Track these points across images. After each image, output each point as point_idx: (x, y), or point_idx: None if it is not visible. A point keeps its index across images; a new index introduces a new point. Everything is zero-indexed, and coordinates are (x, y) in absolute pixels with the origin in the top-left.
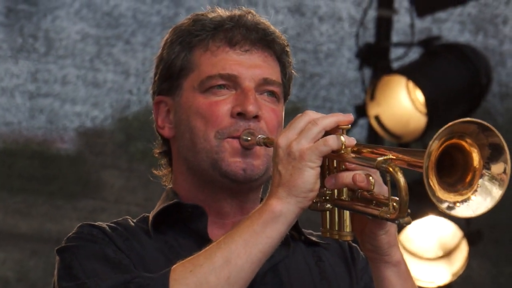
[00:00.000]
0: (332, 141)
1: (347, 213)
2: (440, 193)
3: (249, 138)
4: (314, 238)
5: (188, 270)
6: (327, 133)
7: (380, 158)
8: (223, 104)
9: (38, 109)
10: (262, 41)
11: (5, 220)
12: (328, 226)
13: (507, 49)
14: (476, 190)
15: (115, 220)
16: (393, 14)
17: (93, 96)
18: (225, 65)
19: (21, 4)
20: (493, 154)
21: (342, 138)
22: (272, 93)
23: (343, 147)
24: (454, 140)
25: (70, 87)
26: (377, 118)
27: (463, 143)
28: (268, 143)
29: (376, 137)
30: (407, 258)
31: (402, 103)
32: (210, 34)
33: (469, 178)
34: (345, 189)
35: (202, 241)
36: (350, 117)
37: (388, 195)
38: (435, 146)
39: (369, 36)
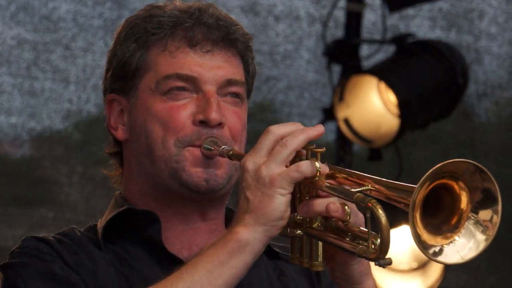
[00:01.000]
0: (305, 168)
1: (319, 242)
2: (426, 236)
3: (211, 148)
4: (277, 249)
5: None
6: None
7: (357, 192)
8: (184, 109)
9: None
10: (224, 40)
11: None
12: (297, 253)
13: (484, 45)
14: (460, 233)
15: (61, 231)
16: (363, 9)
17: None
18: (183, 65)
19: None
20: (484, 200)
21: (317, 164)
22: (235, 95)
23: (318, 174)
24: (445, 180)
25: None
26: (346, 121)
27: (453, 183)
28: (233, 156)
29: (345, 141)
30: (380, 271)
31: (373, 105)
32: (168, 33)
33: (455, 220)
34: (318, 217)
35: (155, 249)
36: (321, 129)
37: (368, 232)
38: (420, 192)
39: (333, 33)
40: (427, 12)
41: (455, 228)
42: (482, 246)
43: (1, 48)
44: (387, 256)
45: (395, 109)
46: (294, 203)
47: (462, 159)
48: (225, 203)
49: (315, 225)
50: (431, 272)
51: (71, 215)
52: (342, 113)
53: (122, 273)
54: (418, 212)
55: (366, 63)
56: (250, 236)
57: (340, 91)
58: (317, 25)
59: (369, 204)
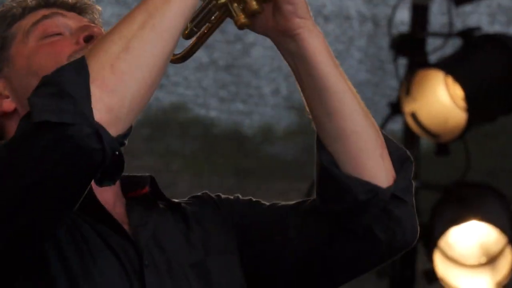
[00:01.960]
0: None
1: None
2: None
3: None
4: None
5: (109, 40)
6: None
7: None
8: (66, 39)
9: None
10: (76, 8)
11: None
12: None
13: None
14: None
15: None
16: (429, 2)
17: None
18: (45, 11)
19: None
20: None
21: None
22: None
23: None
24: None
25: None
26: (413, 115)
27: None
28: None
29: (412, 136)
30: (448, 264)
31: (440, 99)
32: (26, 8)
33: None
34: None
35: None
36: None
37: None
38: None
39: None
40: (485, 8)
41: None
42: None
43: None
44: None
45: (462, 103)
46: None
47: None
48: None
49: None
50: (500, 267)
51: None
52: (409, 107)
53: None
54: None
55: (433, 57)
56: None
57: (406, 85)
58: (368, 24)
59: None
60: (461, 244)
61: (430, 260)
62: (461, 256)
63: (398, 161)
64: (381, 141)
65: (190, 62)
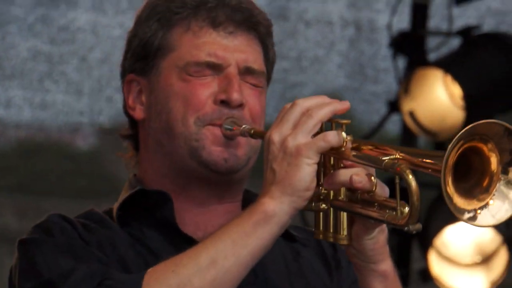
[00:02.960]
0: (332, 137)
1: (344, 215)
2: (458, 201)
3: (232, 128)
4: (293, 232)
5: (170, 270)
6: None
7: (386, 158)
8: (206, 88)
9: None
10: (246, 22)
11: None
12: (322, 228)
13: None
14: (494, 194)
15: (84, 213)
16: (429, 1)
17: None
18: (210, 50)
19: None
20: None
21: (344, 134)
22: (254, 85)
23: (344, 144)
24: (475, 143)
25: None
26: (411, 114)
27: (483, 146)
28: (255, 134)
29: (410, 135)
30: (443, 264)
31: (439, 98)
32: (191, 13)
33: (486, 182)
34: (343, 189)
35: (169, 230)
36: (347, 104)
37: (397, 199)
38: (452, 154)
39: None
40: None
41: (486, 191)
42: None
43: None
44: (417, 223)
45: (460, 102)
46: (319, 177)
47: (493, 120)
48: (243, 186)
49: (340, 198)
50: (495, 266)
51: None
52: (407, 105)
53: (140, 253)
54: (450, 176)
55: (432, 56)
56: (277, 207)
57: (405, 84)
58: (350, 29)
59: (398, 169)
60: (456, 243)
61: (425, 259)
62: (456, 255)
63: None
64: None
65: None
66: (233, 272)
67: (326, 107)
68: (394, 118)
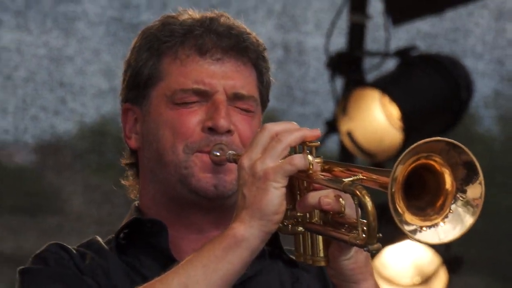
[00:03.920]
0: (298, 161)
1: (320, 237)
2: (408, 217)
3: (218, 154)
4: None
5: None
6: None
7: (347, 180)
8: (193, 115)
9: None
10: (234, 48)
11: None
12: (301, 250)
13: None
14: (446, 217)
15: (86, 242)
16: (366, 21)
17: None
18: (197, 77)
19: None
20: (468, 174)
21: (310, 157)
22: (244, 110)
23: (311, 167)
24: (422, 161)
25: None
26: (349, 134)
27: (433, 163)
28: (238, 160)
29: (348, 155)
30: (383, 284)
31: (376, 118)
32: (179, 41)
33: (440, 202)
34: (316, 211)
35: (164, 258)
36: (317, 132)
37: (357, 219)
38: (400, 170)
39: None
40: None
41: (440, 210)
42: (467, 226)
43: None
44: (376, 243)
45: (398, 123)
46: (295, 201)
47: (434, 138)
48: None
49: (314, 220)
50: (434, 287)
51: None
52: (345, 126)
53: (134, 281)
54: (399, 192)
55: (369, 76)
56: (246, 231)
57: (343, 104)
58: (278, 51)
59: (355, 191)
60: (395, 263)
61: None
62: (396, 276)
63: None
64: None
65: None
66: None
67: (295, 132)
68: (333, 138)
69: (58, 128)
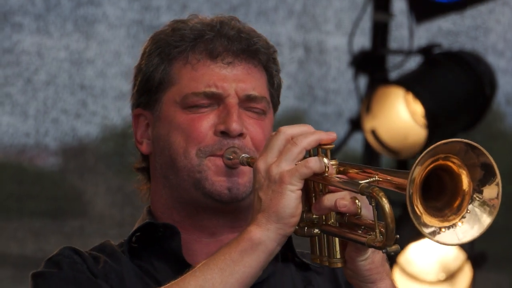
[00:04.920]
0: (313, 163)
1: (336, 239)
2: (426, 218)
3: (231, 157)
4: (307, 261)
5: None
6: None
7: (363, 182)
8: (205, 120)
9: None
10: (245, 52)
11: None
12: (317, 252)
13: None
14: (464, 217)
15: (99, 245)
16: (389, 19)
17: None
18: (209, 81)
19: None
20: (485, 176)
21: (325, 160)
22: (256, 109)
23: (327, 170)
24: (439, 162)
25: None
26: (373, 132)
27: (451, 164)
28: (251, 163)
29: (372, 153)
30: (407, 281)
31: (400, 116)
32: (189, 46)
33: (457, 202)
34: (332, 213)
35: (177, 262)
36: (333, 135)
37: (375, 222)
38: (417, 172)
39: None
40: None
41: (457, 211)
42: (485, 226)
43: None
44: (394, 245)
45: (422, 120)
46: (310, 203)
47: (453, 139)
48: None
49: (330, 222)
50: (459, 283)
51: None
52: (369, 124)
53: (148, 285)
54: (418, 193)
55: (393, 74)
56: (263, 235)
57: (367, 102)
58: (299, 51)
59: (373, 193)
60: (420, 260)
61: None
62: (421, 272)
63: None
64: None
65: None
66: None
67: (311, 136)
68: (357, 136)
69: (79, 131)
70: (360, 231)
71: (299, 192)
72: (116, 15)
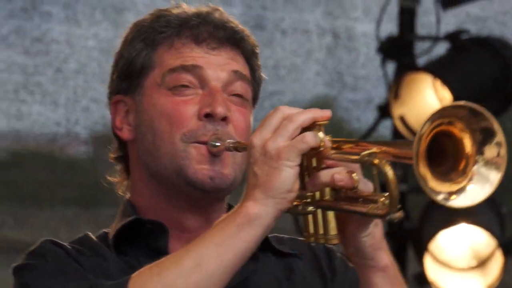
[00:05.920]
0: (310, 138)
1: (331, 215)
2: (433, 183)
3: (217, 144)
4: (284, 249)
5: (155, 273)
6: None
7: (364, 152)
8: (190, 104)
9: None
10: (230, 39)
11: None
12: (312, 230)
13: None
14: (471, 179)
15: (77, 239)
16: (416, 5)
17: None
18: (188, 57)
19: None
20: (485, 138)
21: (321, 134)
22: (239, 95)
23: (322, 144)
24: (443, 127)
25: None
26: (401, 119)
27: (453, 129)
28: (239, 147)
29: (401, 139)
30: (438, 268)
31: (429, 102)
32: (175, 31)
33: (462, 165)
34: (327, 189)
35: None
36: (328, 112)
37: (376, 190)
38: (426, 129)
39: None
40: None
41: (463, 173)
42: (495, 182)
43: None
44: (397, 211)
45: None
46: (303, 180)
47: (456, 103)
48: (224, 207)
49: (326, 198)
50: (490, 270)
51: None
52: (397, 110)
53: None
54: (423, 161)
55: (421, 60)
56: (260, 209)
57: (395, 89)
58: (328, 37)
59: (375, 161)
60: (451, 247)
61: (420, 263)
62: (452, 260)
63: None
64: None
65: None
66: (218, 275)
67: (306, 113)
68: (385, 123)
69: (109, 119)
70: (359, 203)
71: (297, 168)
72: (144, 3)
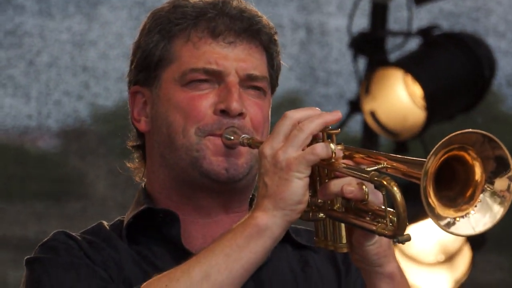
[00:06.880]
0: (320, 150)
1: (342, 224)
2: (440, 209)
3: (232, 137)
4: (301, 241)
5: (164, 285)
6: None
7: (372, 170)
8: (205, 99)
9: None
10: (247, 31)
11: None
12: (322, 236)
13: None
14: (475, 206)
15: (91, 229)
16: (389, 0)
17: None
18: (209, 58)
19: None
20: (498, 168)
21: (332, 146)
22: (257, 88)
23: (333, 155)
24: (454, 152)
25: None
26: (372, 114)
27: (465, 155)
28: (252, 144)
29: (371, 134)
30: (406, 263)
31: (400, 98)
32: (191, 23)
33: (469, 192)
34: (339, 198)
35: (176, 249)
36: (338, 114)
37: (385, 210)
38: (431, 163)
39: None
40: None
41: (470, 200)
42: (498, 217)
43: None
44: (406, 234)
45: (421, 102)
46: (315, 187)
47: (470, 130)
48: (248, 195)
49: (336, 207)
50: (458, 265)
51: None
52: (368, 105)
53: (146, 271)
54: (431, 184)
55: (392, 56)
56: (269, 221)
57: (366, 84)
58: (301, 32)
59: (384, 182)
60: (419, 242)
61: None
62: (420, 254)
63: None
64: None
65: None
66: (226, 286)
67: (316, 120)
68: (356, 117)
69: (81, 112)
70: (367, 218)
71: (307, 180)
72: None
